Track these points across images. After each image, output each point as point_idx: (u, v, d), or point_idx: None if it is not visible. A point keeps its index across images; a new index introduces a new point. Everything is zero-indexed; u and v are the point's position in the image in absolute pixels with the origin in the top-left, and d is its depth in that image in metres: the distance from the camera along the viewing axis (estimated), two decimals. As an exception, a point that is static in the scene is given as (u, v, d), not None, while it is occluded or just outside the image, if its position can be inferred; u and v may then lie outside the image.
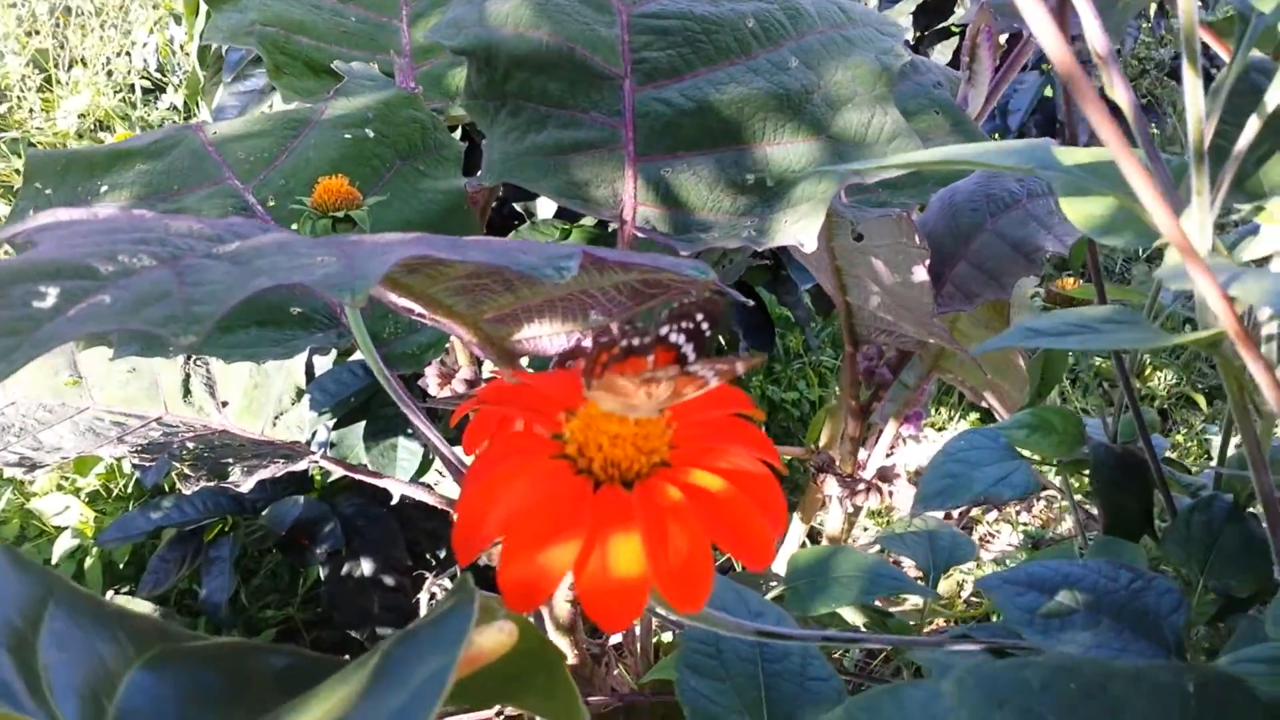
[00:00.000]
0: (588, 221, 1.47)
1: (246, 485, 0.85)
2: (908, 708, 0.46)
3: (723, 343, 1.53)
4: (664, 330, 0.36)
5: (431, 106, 0.91)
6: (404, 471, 1.11)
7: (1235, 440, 0.70)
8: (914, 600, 1.44)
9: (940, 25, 2.30)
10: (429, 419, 0.71)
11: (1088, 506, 1.04)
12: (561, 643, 0.83)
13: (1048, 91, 2.38)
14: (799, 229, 0.75)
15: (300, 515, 1.18)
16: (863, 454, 1.19)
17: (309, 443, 1.01)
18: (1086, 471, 0.71)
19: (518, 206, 1.46)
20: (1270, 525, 0.47)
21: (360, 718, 0.23)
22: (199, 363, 0.99)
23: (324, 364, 1.24)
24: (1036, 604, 0.51)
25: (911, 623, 0.86)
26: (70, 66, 3.12)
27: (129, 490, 1.57)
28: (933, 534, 0.79)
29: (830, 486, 1.10)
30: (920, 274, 0.92)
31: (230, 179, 0.82)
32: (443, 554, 1.25)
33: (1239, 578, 0.61)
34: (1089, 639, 0.50)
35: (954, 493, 0.63)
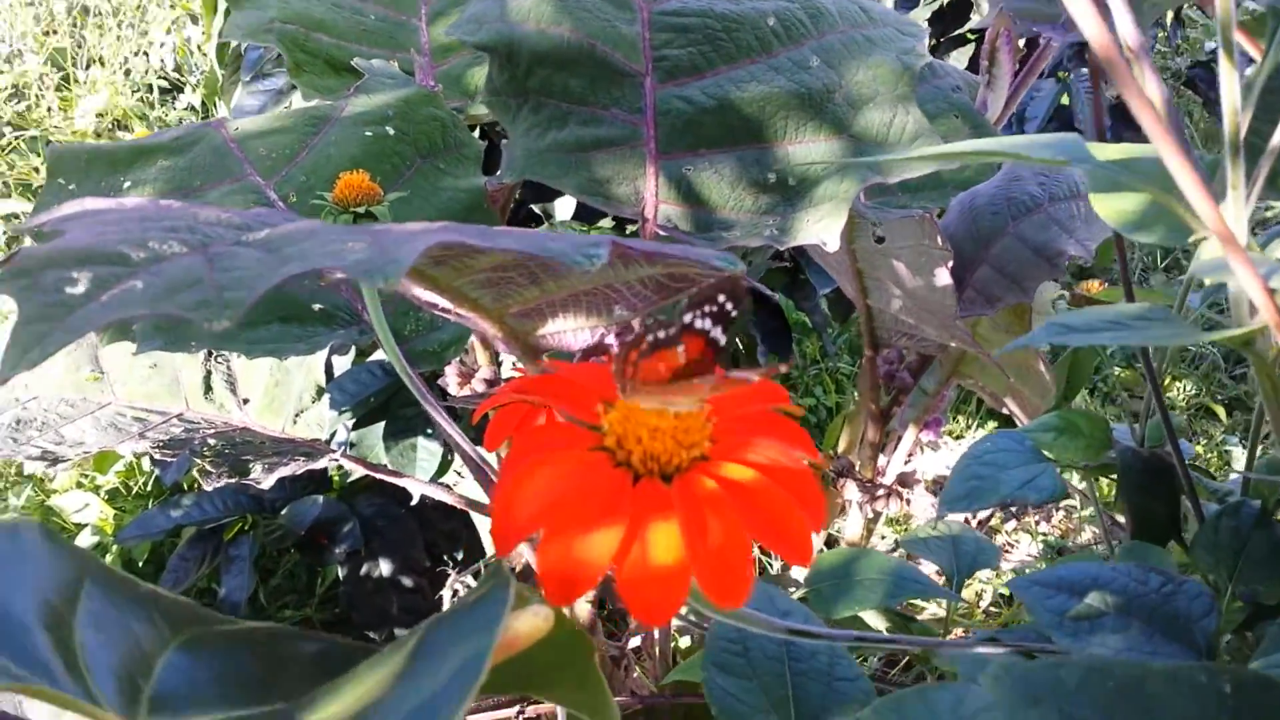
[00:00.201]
0: (605, 224, 1.47)
1: (267, 482, 0.85)
2: (937, 709, 0.45)
3: (740, 347, 1.52)
4: (688, 318, 0.36)
5: (451, 105, 0.91)
6: (423, 471, 1.11)
7: (1261, 446, 0.70)
8: (932, 610, 1.43)
9: (956, 32, 2.29)
10: (449, 418, 0.71)
11: (1111, 514, 1.03)
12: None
13: (1064, 100, 2.37)
14: (821, 228, 0.74)
15: (320, 515, 1.18)
16: (882, 460, 1.18)
17: (329, 441, 1.01)
18: (1113, 476, 0.70)
19: (535, 208, 1.46)
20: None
21: (398, 700, 0.23)
22: (220, 360, 0.99)
23: (342, 365, 1.24)
24: (1066, 606, 0.50)
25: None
26: (88, 66, 3.14)
27: (148, 488, 1.57)
28: (956, 538, 0.78)
29: (850, 491, 1.09)
30: (943, 276, 0.91)
31: (252, 175, 0.82)
32: (460, 555, 1.25)
33: (1267, 584, 0.61)
34: (1119, 642, 0.49)
35: (980, 495, 0.63)
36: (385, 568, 1.21)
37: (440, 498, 0.87)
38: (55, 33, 3.27)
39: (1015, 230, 1.07)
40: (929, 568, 1.28)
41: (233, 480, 0.86)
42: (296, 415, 1.00)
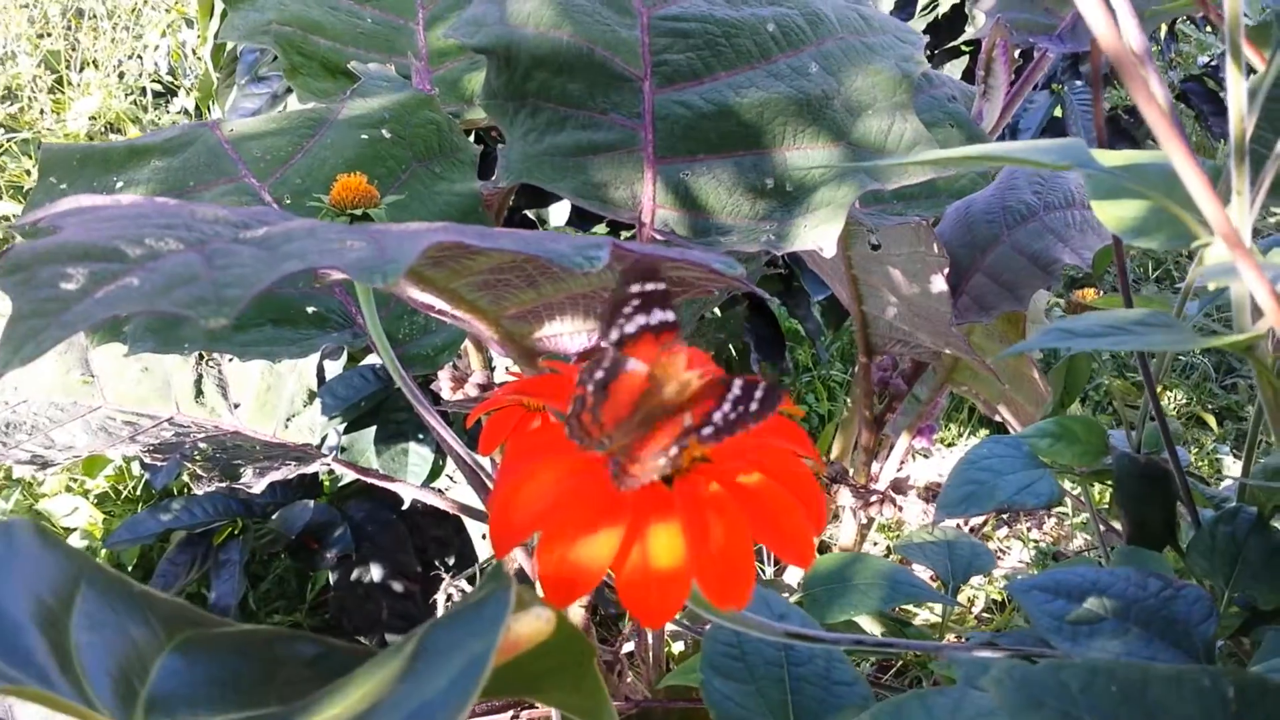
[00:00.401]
0: (600, 229, 1.47)
1: (258, 486, 0.84)
2: (935, 713, 0.45)
3: (734, 353, 1.52)
4: (629, 328, 0.35)
5: (447, 110, 0.91)
6: (415, 476, 1.10)
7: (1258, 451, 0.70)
8: (925, 616, 1.43)
9: (950, 44, 2.30)
10: (443, 422, 0.71)
11: (1105, 520, 1.03)
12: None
13: (1058, 112, 2.38)
14: (818, 234, 0.74)
15: (310, 520, 1.17)
16: (875, 466, 1.18)
17: (320, 446, 1.01)
18: (1107, 483, 0.70)
19: (530, 214, 1.45)
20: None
21: (399, 701, 0.23)
22: (211, 364, 0.99)
23: (334, 369, 1.23)
24: (1065, 610, 0.50)
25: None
26: (82, 68, 3.13)
27: (138, 492, 1.56)
28: (952, 543, 0.78)
29: (844, 497, 1.09)
30: (939, 283, 0.91)
31: (246, 176, 0.81)
32: (452, 561, 1.24)
33: (1264, 590, 0.60)
34: (1118, 647, 0.49)
35: (977, 500, 0.63)
36: (376, 573, 1.20)
37: (432, 502, 0.87)
38: (49, 35, 3.27)
39: (1010, 238, 1.07)
40: (922, 573, 1.27)
41: (223, 484, 0.85)
42: (288, 419, 1.00)
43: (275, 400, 1.00)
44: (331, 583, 1.23)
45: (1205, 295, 0.63)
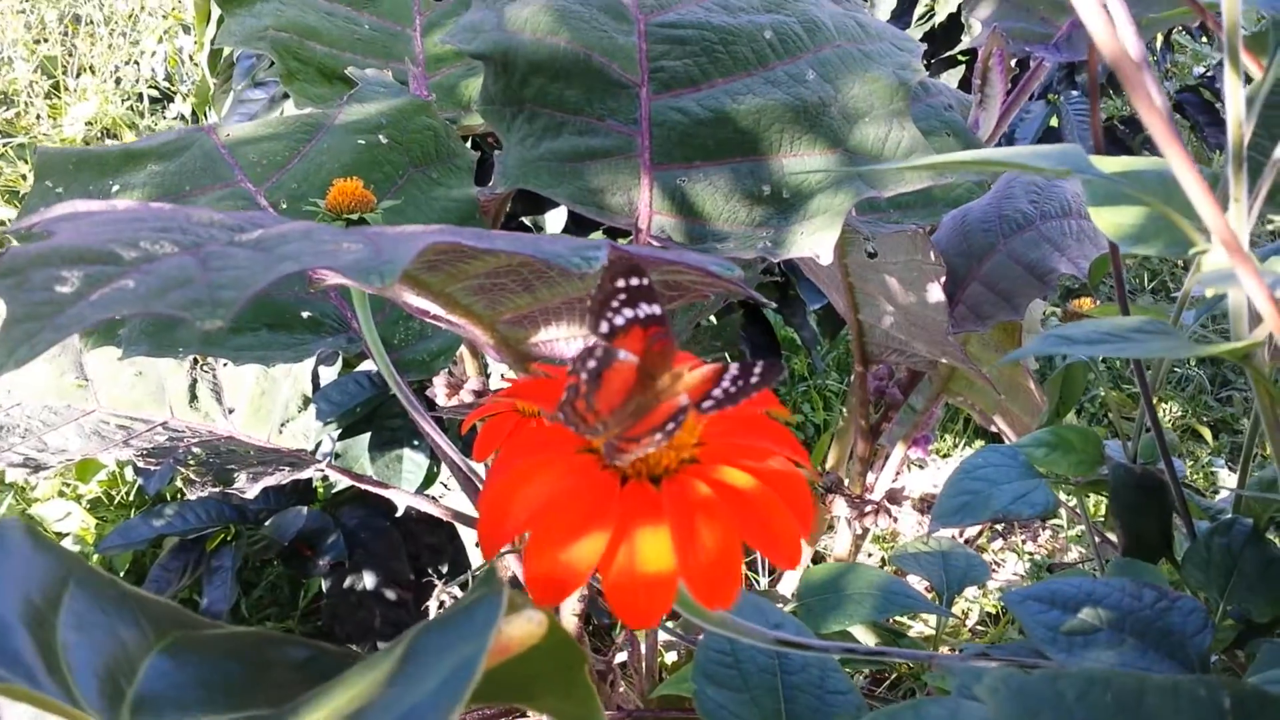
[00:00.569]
0: (595, 236, 1.47)
1: (252, 492, 0.84)
2: (929, 723, 0.45)
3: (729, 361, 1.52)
4: (618, 320, 0.35)
5: (444, 116, 0.91)
6: (409, 483, 1.10)
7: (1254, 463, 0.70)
8: (919, 628, 1.43)
9: (947, 54, 2.30)
10: (438, 428, 0.71)
11: (1100, 531, 1.03)
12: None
13: (1054, 122, 2.38)
14: (815, 241, 0.74)
15: (303, 526, 1.17)
16: (870, 476, 1.18)
17: (314, 452, 1.00)
18: (1102, 494, 0.70)
19: (527, 221, 1.45)
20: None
21: (387, 705, 0.22)
22: (206, 368, 0.98)
23: (328, 375, 1.23)
24: (1059, 621, 0.50)
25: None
26: (78, 74, 3.13)
27: (131, 497, 1.56)
28: (946, 554, 0.78)
29: (839, 507, 1.09)
30: (936, 292, 0.91)
31: (242, 181, 0.81)
32: (445, 568, 1.24)
33: (1259, 602, 0.60)
34: (1113, 658, 0.49)
35: (973, 509, 0.62)
36: (369, 581, 1.20)
37: (426, 509, 0.87)
38: (46, 40, 3.27)
39: (1007, 247, 1.07)
40: (917, 585, 1.27)
41: (216, 490, 0.85)
42: (282, 425, 0.99)
43: (270, 405, 0.99)
44: (324, 590, 1.22)
45: (1202, 305, 0.63)
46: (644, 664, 0.92)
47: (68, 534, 1.46)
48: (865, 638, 0.79)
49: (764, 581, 1.51)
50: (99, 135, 2.88)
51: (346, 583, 1.19)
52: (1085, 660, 0.48)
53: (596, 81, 0.80)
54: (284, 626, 1.41)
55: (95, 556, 1.37)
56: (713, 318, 1.47)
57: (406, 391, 0.65)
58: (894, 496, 1.12)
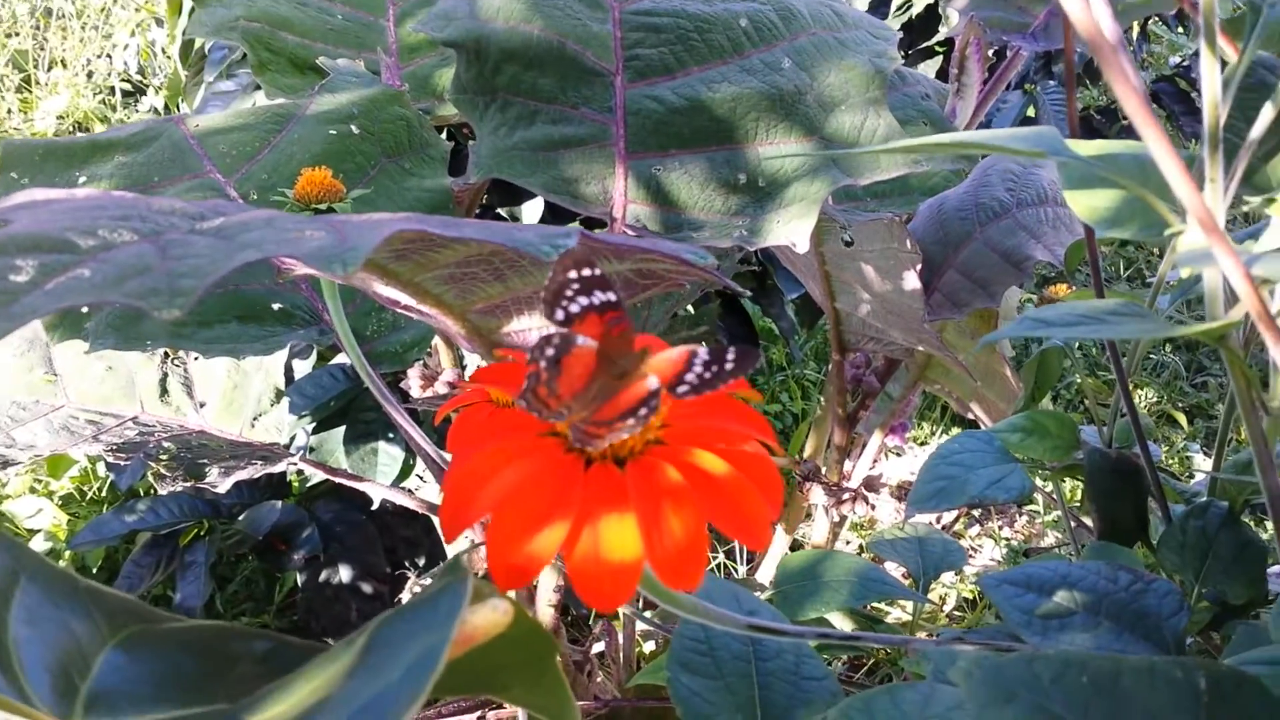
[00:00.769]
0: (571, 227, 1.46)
1: (224, 486, 0.83)
2: (904, 707, 0.45)
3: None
4: (573, 308, 0.35)
5: (418, 106, 0.90)
6: (384, 476, 1.09)
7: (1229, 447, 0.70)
8: (897, 614, 1.43)
9: (925, 44, 2.30)
10: (412, 420, 0.70)
11: (1076, 516, 1.03)
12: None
13: (1030, 111, 2.39)
14: (791, 229, 0.74)
15: (278, 520, 1.16)
16: (848, 464, 1.18)
17: (288, 445, 0.99)
18: (1078, 479, 0.70)
19: (502, 212, 1.45)
20: (1276, 525, 0.46)
21: (348, 697, 0.22)
22: (177, 362, 0.97)
23: (302, 369, 1.22)
24: (1035, 604, 0.49)
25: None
26: (50, 68, 3.10)
27: (103, 493, 1.54)
28: (923, 540, 0.78)
29: (816, 495, 1.09)
30: (911, 280, 0.91)
31: (212, 172, 0.80)
32: (422, 561, 1.23)
33: (1234, 585, 0.60)
34: (1089, 640, 0.49)
35: (949, 494, 0.62)
36: (345, 574, 1.19)
37: (401, 502, 0.86)
38: (17, 34, 3.23)
39: (983, 235, 1.07)
40: (895, 571, 1.27)
41: (189, 484, 0.84)
42: (255, 419, 0.98)
43: (242, 399, 0.98)
44: (300, 584, 1.21)
45: (1178, 289, 0.63)
46: (621, 654, 0.92)
47: (39, 531, 1.45)
48: (842, 624, 0.79)
49: (742, 570, 1.51)
50: (70, 129, 2.85)
51: (322, 577, 1.18)
52: (1061, 643, 0.48)
53: (570, 70, 0.79)
54: (259, 621, 1.40)
55: (67, 553, 1.35)
56: (690, 308, 1.47)
57: (379, 383, 0.64)
58: (871, 484, 1.12)
